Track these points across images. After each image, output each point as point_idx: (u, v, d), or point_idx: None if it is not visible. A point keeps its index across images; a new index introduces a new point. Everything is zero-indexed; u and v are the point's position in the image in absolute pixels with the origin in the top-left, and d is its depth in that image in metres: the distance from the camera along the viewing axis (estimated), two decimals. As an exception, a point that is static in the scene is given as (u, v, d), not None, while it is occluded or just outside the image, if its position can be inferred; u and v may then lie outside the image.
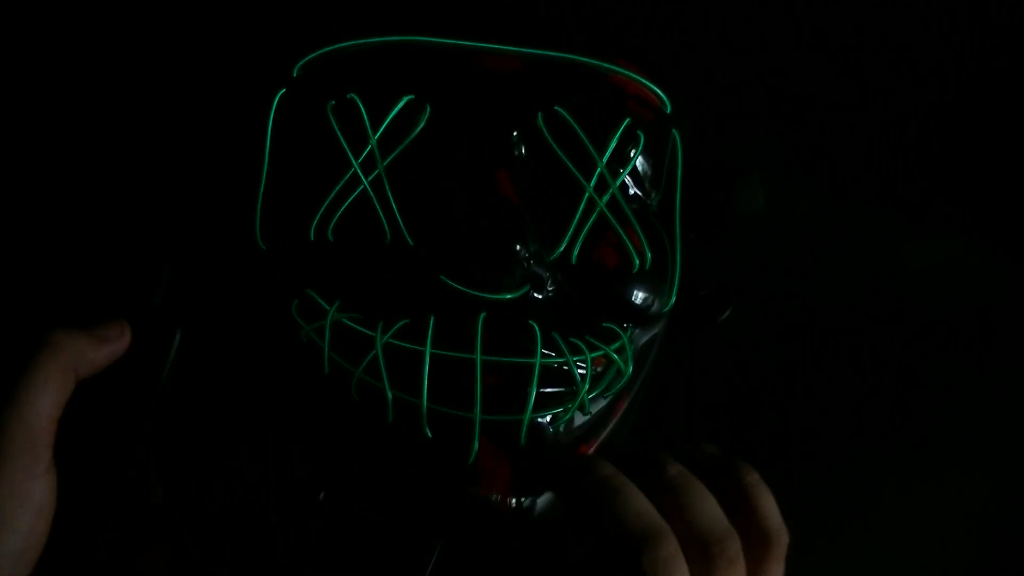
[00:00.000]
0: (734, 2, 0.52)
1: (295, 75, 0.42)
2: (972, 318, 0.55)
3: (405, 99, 0.39)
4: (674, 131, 0.44)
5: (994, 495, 0.54)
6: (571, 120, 0.39)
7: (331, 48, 0.41)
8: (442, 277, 0.37)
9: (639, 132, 0.41)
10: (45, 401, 0.31)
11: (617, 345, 0.40)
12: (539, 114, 0.39)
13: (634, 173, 0.42)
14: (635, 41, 0.51)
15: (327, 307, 0.38)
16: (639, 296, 0.41)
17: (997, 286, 0.56)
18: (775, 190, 0.49)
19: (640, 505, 0.34)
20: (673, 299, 0.43)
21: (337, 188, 0.39)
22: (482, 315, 0.37)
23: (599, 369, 0.41)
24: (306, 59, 0.41)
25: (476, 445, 0.37)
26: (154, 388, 0.35)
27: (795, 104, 0.54)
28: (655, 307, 0.42)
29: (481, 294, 0.37)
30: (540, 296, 0.39)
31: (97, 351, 0.33)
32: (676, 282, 0.43)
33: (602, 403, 0.42)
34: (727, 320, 0.49)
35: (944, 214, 0.55)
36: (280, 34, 0.46)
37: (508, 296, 0.37)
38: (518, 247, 0.36)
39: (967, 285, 0.55)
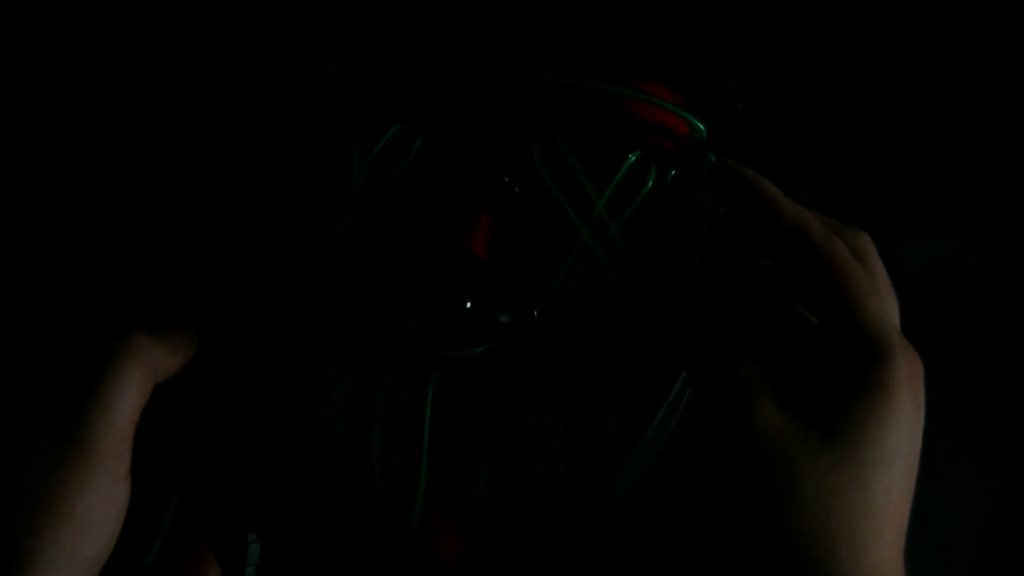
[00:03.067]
0: (733, 1, 0.51)
1: (308, 89, 0.39)
2: (970, 318, 0.55)
3: (394, 129, 0.37)
4: (710, 155, 0.39)
5: (993, 495, 0.54)
6: (570, 157, 0.36)
7: (333, 66, 0.38)
8: (405, 328, 0.36)
9: (652, 166, 0.37)
10: (129, 403, 0.31)
11: (601, 400, 0.39)
12: (535, 150, 0.36)
13: (646, 209, 0.38)
14: (632, 40, 0.50)
15: (303, 342, 0.38)
16: (633, 348, 0.39)
17: (995, 286, 0.55)
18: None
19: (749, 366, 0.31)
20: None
21: (322, 221, 0.37)
22: (435, 373, 0.36)
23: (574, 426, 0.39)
24: (318, 73, 0.39)
25: (419, 507, 0.36)
26: (211, 401, 0.35)
27: (793, 103, 0.53)
28: (654, 360, 0.40)
29: (437, 351, 0.36)
30: (512, 349, 0.37)
31: (172, 356, 0.33)
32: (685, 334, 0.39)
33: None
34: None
35: (942, 213, 0.55)
36: (284, 48, 0.44)
37: (466, 353, 0.36)
38: (469, 305, 0.34)
39: (965, 285, 0.55)
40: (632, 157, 0.37)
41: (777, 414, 0.30)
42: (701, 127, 0.39)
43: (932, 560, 0.55)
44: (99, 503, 0.30)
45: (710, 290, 0.35)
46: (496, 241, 0.36)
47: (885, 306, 0.31)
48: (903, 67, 0.53)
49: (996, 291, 0.55)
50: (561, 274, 0.37)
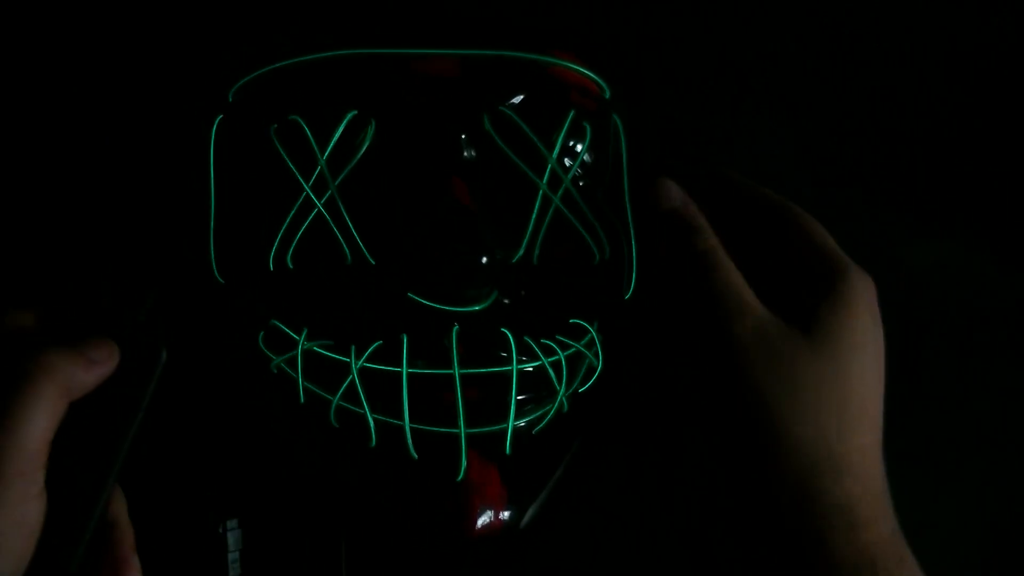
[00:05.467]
0: (735, 3, 0.51)
1: (231, 100, 0.41)
2: (971, 318, 0.54)
3: (349, 115, 0.38)
4: (615, 116, 0.44)
5: (994, 495, 0.53)
6: (517, 119, 0.38)
7: (265, 69, 0.39)
8: (410, 294, 0.37)
9: (585, 123, 0.40)
10: (40, 425, 0.31)
11: (586, 340, 0.40)
12: (484, 116, 0.38)
13: (583, 164, 0.41)
14: (630, 37, 0.51)
15: (295, 337, 0.38)
16: (603, 287, 0.41)
17: (997, 287, 0.54)
18: (776, 188, 0.48)
19: (735, 278, 0.36)
20: (633, 285, 0.43)
21: (291, 214, 0.38)
22: (455, 328, 0.36)
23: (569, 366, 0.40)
24: (241, 82, 0.40)
25: (464, 460, 0.36)
26: (136, 408, 0.34)
27: (796, 102, 0.53)
28: (619, 296, 0.42)
29: (451, 308, 0.36)
30: (509, 302, 0.39)
31: (88, 373, 0.33)
32: (635, 269, 0.43)
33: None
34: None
35: (944, 214, 0.54)
36: (212, 59, 0.45)
37: (478, 307, 0.37)
38: (484, 259, 0.36)
39: (966, 286, 0.54)
40: (571, 114, 0.39)
41: (766, 312, 0.36)
42: (607, 88, 0.43)
43: (934, 559, 0.54)
44: (10, 523, 0.30)
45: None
46: (474, 198, 0.38)
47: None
48: (903, 67, 0.53)
49: (997, 292, 0.55)
50: (531, 225, 0.39)
